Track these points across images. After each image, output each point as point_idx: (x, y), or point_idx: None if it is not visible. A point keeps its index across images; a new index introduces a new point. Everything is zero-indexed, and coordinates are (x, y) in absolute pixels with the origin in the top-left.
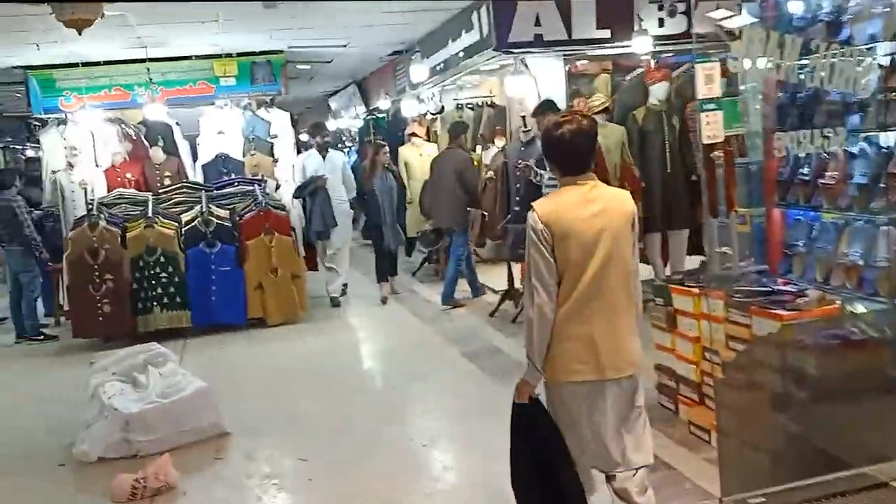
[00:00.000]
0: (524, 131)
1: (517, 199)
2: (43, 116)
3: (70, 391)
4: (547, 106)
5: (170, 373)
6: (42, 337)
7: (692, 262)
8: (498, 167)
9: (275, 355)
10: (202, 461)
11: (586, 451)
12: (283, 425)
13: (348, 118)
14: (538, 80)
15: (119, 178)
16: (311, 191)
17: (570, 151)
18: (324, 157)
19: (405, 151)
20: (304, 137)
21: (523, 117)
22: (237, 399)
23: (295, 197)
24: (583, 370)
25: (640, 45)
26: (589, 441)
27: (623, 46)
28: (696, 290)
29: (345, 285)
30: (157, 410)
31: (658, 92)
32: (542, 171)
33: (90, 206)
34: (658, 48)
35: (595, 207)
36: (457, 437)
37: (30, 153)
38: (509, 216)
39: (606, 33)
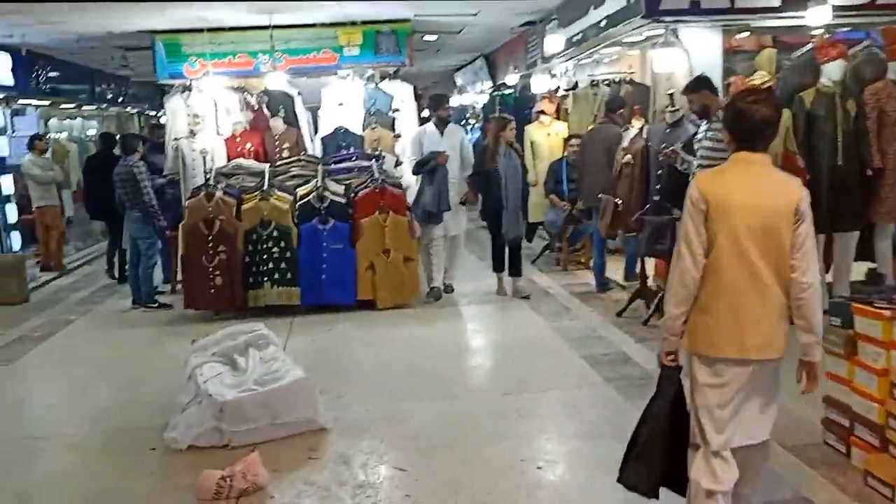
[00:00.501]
0: (671, 111)
1: (657, 187)
2: (168, 82)
3: (174, 365)
4: (702, 83)
5: (270, 357)
6: (156, 305)
7: (858, 269)
8: (637, 151)
9: (381, 343)
10: (294, 460)
11: (716, 424)
12: (384, 426)
13: (473, 94)
14: (690, 54)
15: (239, 148)
16: (431, 168)
17: (750, 125)
18: (441, 133)
19: (532, 130)
20: (427, 113)
21: (671, 95)
22: (338, 391)
23: (415, 173)
24: (725, 347)
25: (817, 15)
26: (721, 416)
27: (795, 17)
28: (888, 313)
29: (447, 285)
30: (252, 399)
31: (832, 72)
32: (691, 158)
33: (208, 176)
34: (837, 20)
35: (759, 187)
36: (576, 461)
37: (163, 119)
38: (647, 206)
39: (776, 1)
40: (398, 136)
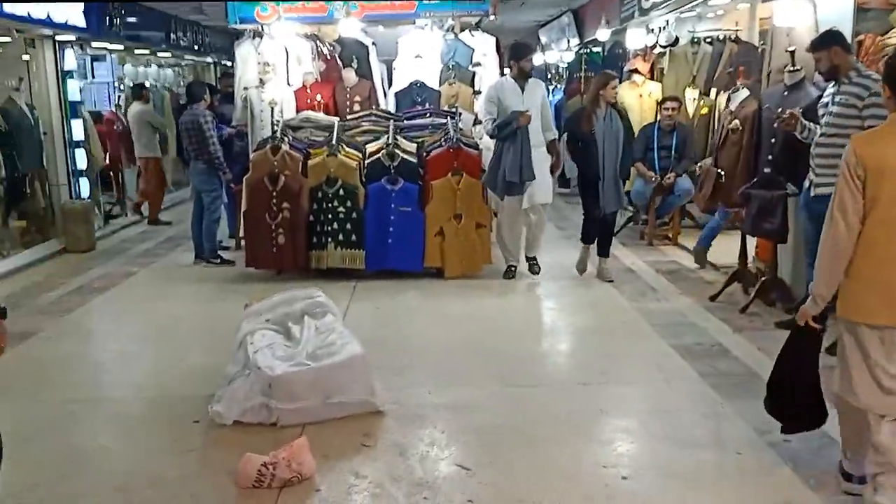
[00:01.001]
0: (790, 71)
1: (769, 157)
2: (238, 27)
3: (230, 328)
4: (833, 38)
5: (326, 328)
6: (219, 261)
7: None
8: (747, 115)
9: (448, 317)
10: (346, 446)
11: (871, 391)
12: (446, 414)
13: (558, 52)
14: (817, 7)
15: (308, 100)
16: (512, 131)
17: None
18: (522, 89)
19: (623, 90)
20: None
21: (792, 53)
22: (397, 368)
23: (493, 136)
24: (878, 313)
25: None
26: (873, 383)
27: None
28: None
29: (531, 260)
30: (303, 375)
31: None
32: (814, 125)
33: (275, 128)
34: None
35: None
36: (669, 473)
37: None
38: (755, 179)
39: None
40: (478, 92)
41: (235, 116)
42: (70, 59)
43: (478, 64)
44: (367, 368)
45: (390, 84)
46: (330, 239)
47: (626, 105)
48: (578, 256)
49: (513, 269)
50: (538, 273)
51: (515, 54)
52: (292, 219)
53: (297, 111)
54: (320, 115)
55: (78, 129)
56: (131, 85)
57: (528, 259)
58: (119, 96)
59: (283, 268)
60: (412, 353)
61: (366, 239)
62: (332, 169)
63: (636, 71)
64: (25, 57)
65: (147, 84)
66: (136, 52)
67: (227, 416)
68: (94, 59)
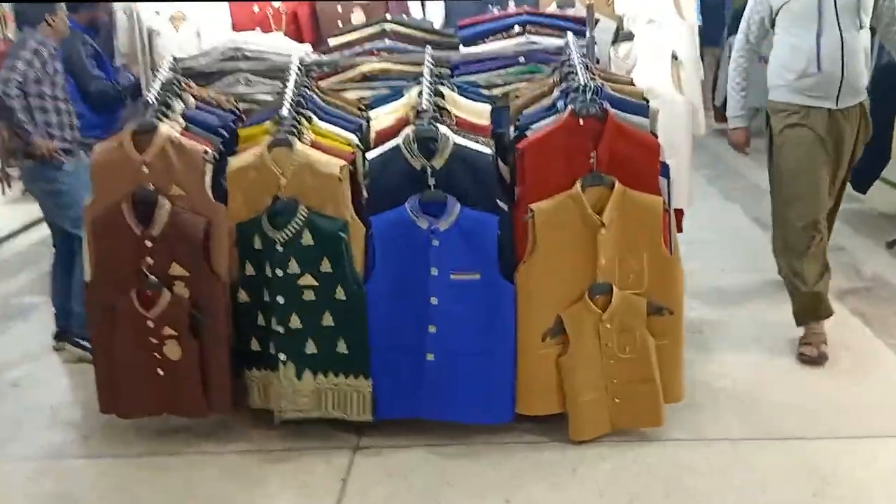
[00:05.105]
0: None
1: None
2: None
3: None
4: None
5: None
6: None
7: None
8: None
9: None
10: None
11: None
12: None
13: None
14: None
15: (257, 10)
16: None
17: None
18: None
19: None
20: None
21: None
22: None
23: None
24: None
25: None
26: None
27: None
28: None
29: None
30: None
31: None
32: None
33: (154, 74)
34: None
35: None
36: None
37: None
38: None
39: None
40: None
41: (119, 47)
42: None
43: None
44: None
45: None
46: (285, 351)
47: None
48: None
49: None
50: None
51: None
52: (194, 303)
53: (236, 31)
54: (270, 42)
55: None
56: None
57: None
58: None
59: (180, 412)
60: None
61: (372, 351)
62: (285, 175)
63: None
64: None
65: None
66: None
67: None
68: None
